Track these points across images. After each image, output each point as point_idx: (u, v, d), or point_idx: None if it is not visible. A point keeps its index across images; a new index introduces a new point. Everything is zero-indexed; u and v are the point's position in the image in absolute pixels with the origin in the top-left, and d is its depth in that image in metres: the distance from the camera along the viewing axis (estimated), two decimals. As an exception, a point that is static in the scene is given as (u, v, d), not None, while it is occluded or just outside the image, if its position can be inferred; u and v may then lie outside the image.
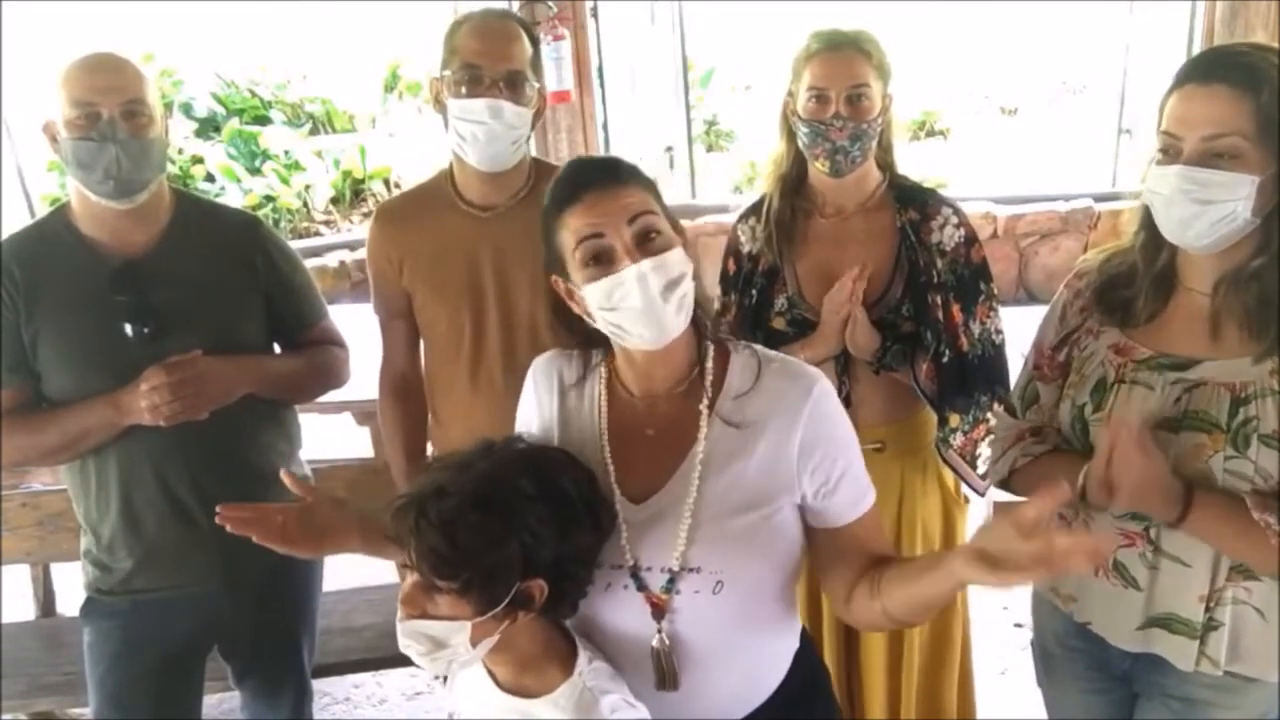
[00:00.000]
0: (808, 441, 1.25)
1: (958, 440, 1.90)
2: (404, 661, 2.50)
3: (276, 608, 1.99)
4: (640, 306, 1.20)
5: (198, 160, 7.04)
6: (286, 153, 7.26)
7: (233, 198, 6.54)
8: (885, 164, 1.92)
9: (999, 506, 2.60)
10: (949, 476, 2.01)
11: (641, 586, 1.26)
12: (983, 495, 1.97)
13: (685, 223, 1.35)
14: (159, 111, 1.74)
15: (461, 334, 1.87)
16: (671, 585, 1.25)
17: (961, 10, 9.13)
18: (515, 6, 4.63)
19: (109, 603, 1.88)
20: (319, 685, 2.52)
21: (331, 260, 5.72)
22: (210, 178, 6.93)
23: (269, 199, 6.79)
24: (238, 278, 1.85)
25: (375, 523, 1.55)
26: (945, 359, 1.86)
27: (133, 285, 1.74)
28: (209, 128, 7.61)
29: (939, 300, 1.85)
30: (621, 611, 1.28)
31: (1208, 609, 1.38)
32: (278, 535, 1.37)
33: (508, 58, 1.77)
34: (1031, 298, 5.62)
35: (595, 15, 4.95)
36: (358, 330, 2.03)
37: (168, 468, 1.79)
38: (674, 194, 5.16)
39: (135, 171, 1.69)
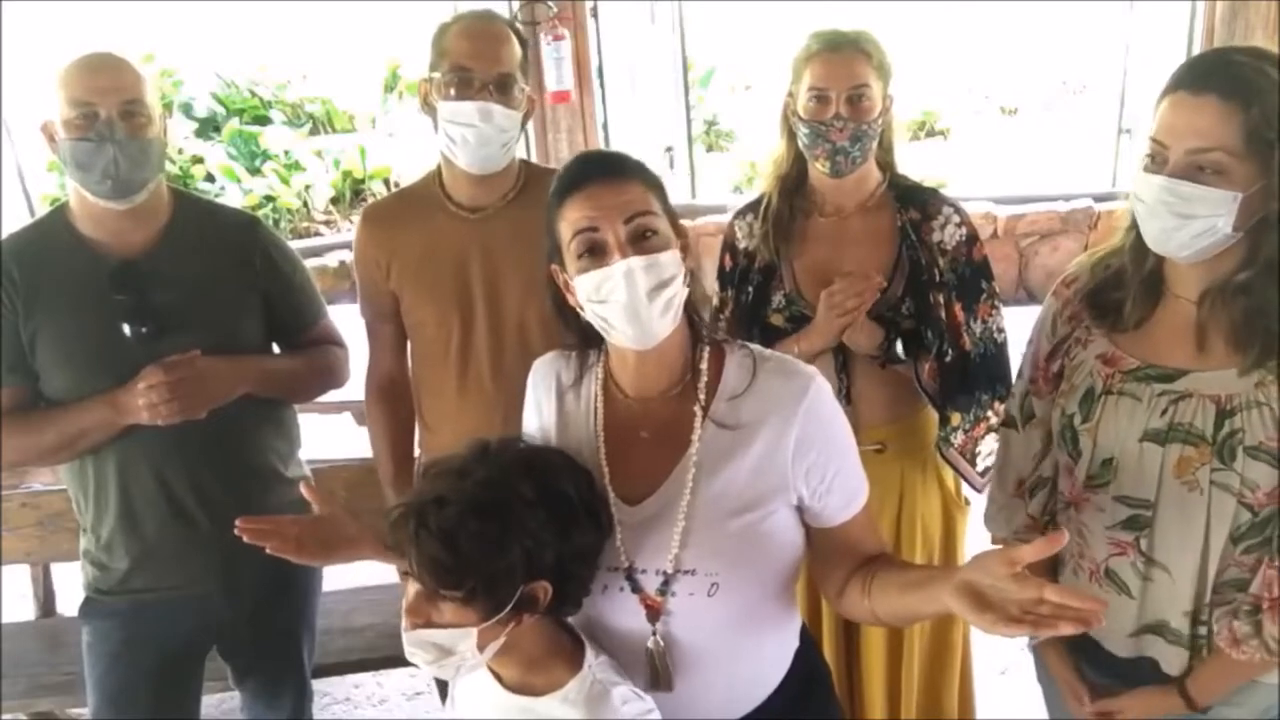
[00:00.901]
0: (802, 442, 1.25)
1: (958, 439, 1.90)
2: (404, 661, 2.49)
3: (276, 608, 1.99)
4: (625, 302, 1.20)
5: (198, 160, 7.04)
6: (286, 153, 7.27)
7: (233, 198, 6.54)
8: (885, 164, 1.92)
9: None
10: (950, 477, 2.01)
11: (636, 588, 1.26)
12: (981, 492, 1.97)
13: (685, 222, 1.34)
14: (157, 111, 1.74)
15: (449, 336, 1.87)
16: (666, 588, 1.25)
17: (961, 10, 9.13)
18: (515, 7, 4.63)
19: (108, 603, 1.88)
20: (319, 685, 2.52)
21: (331, 260, 5.73)
22: (210, 178, 6.93)
23: (269, 199, 6.80)
24: (237, 277, 1.85)
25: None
26: (948, 358, 1.86)
27: (131, 285, 1.74)
28: (209, 128, 7.61)
29: (940, 299, 1.85)
30: (618, 613, 1.28)
31: (1195, 623, 1.39)
32: (292, 546, 1.38)
33: (497, 60, 1.76)
34: (1031, 298, 5.63)
35: (595, 15, 4.95)
36: (357, 330, 2.03)
37: (166, 468, 1.79)
38: (674, 194, 5.14)
39: (133, 171, 1.69)
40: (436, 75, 1.78)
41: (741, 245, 1.97)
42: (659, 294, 1.20)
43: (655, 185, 1.27)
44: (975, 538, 1.85)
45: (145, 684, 1.87)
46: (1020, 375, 1.58)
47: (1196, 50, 4.57)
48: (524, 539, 1.15)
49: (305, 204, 6.98)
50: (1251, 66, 1.23)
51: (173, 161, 6.83)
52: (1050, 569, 1.56)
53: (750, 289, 1.93)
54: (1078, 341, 1.45)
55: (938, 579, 1.13)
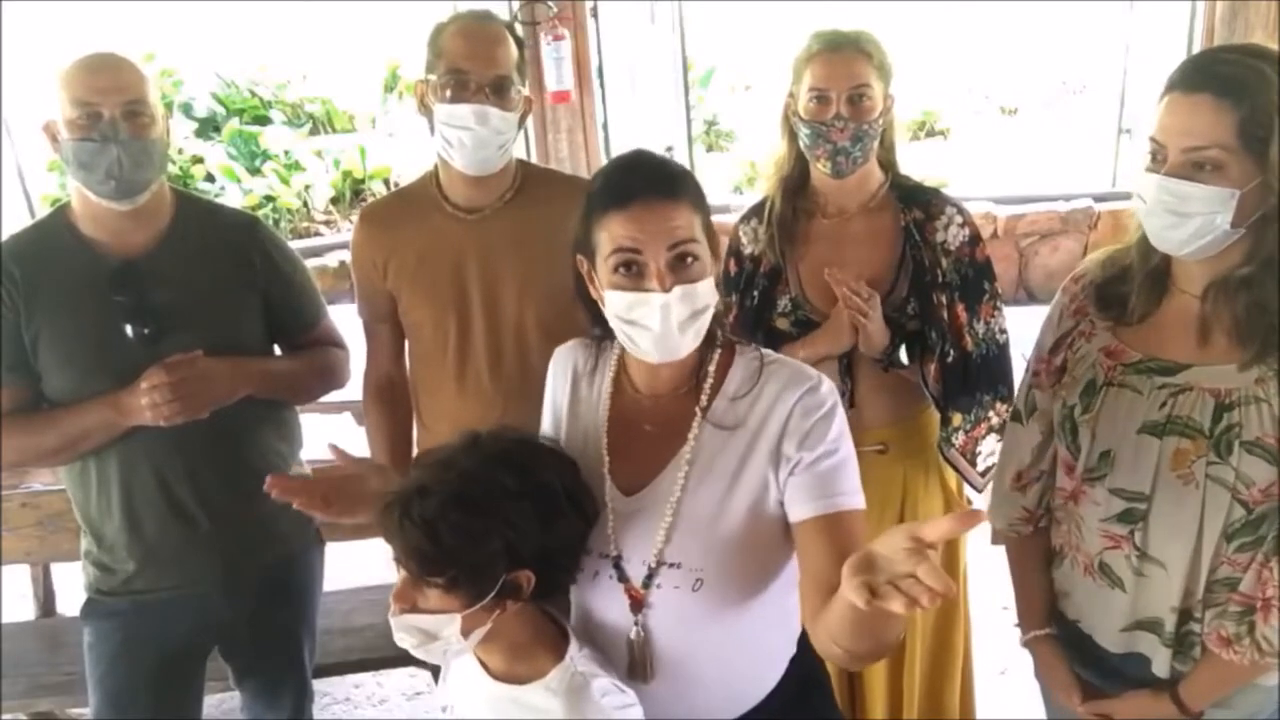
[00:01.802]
0: (794, 430, 1.24)
1: (959, 439, 1.91)
2: (404, 661, 2.52)
3: (276, 608, 1.99)
4: (658, 332, 1.21)
5: (198, 160, 7.04)
6: (286, 153, 7.27)
7: (233, 198, 6.54)
8: (887, 164, 1.92)
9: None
10: (952, 478, 2.01)
11: (622, 577, 1.28)
12: (981, 492, 1.97)
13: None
14: (160, 112, 1.74)
15: (447, 336, 1.87)
16: (650, 579, 1.26)
17: (961, 10, 9.13)
18: (515, 7, 4.63)
19: (109, 603, 1.88)
20: (319, 685, 2.52)
21: (331, 260, 5.73)
22: (210, 178, 6.93)
23: (269, 199, 6.80)
24: (238, 278, 1.84)
25: None
26: (950, 359, 1.86)
27: (133, 286, 1.74)
28: (209, 128, 7.61)
29: (944, 300, 1.85)
30: (604, 600, 1.30)
31: (1182, 621, 1.39)
32: (319, 502, 1.39)
33: (494, 62, 1.76)
34: (1031, 298, 5.63)
35: (595, 15, 4.95)
36: (358, 330, 2.03)
37: (168, 469, 1.78)
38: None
39: (136, 172, 1.69)
40: (433, 77, 1.78)
41: (747, 250, 1.96)
42: (691, 324, 1.22)
43: (702, 205, 1.25)
44: (977, 537, 1.85)
45: (146, 684, 1.87)
46: (1026, 369, 1.58)
47: (1196, 50, 4.56)
48: (505, 530, 1.18)
49: (305, 204, 6.98)
50: (1244, 64, 1.24)
51: (173, 161, 6.83)
52: (1047, 562, 1.57)
53: (755, 293, 1.93)
54: (1081, 334, 1.46)
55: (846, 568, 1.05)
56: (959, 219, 1.86)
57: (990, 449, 1.89)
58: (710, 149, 8.42)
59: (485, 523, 1.17)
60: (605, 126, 5.23)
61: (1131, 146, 5.35)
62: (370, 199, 6.96)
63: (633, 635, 1.28)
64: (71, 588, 2.09)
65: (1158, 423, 1.35)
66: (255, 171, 7.11)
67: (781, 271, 1.91)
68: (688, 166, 5.82)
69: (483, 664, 1.31)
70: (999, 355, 1.90)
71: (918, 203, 1.88)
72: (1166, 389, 1.35)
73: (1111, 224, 5.38)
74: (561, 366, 1.43)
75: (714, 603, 1.26)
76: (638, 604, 1.27)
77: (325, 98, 7.91)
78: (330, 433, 3.31)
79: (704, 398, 1.29)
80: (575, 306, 1.36)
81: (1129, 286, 1.40)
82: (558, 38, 4.67)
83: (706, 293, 1.22)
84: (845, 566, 0.98)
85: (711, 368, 1.31)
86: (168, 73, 7.65)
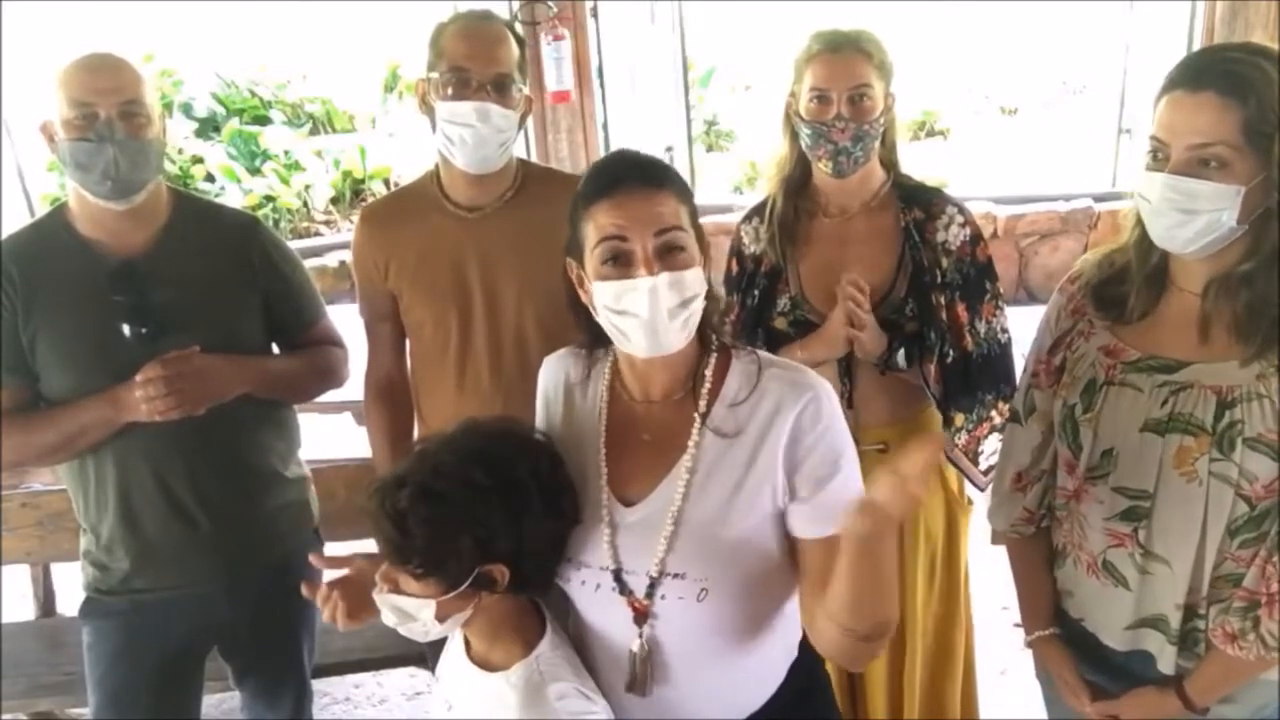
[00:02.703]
0: (795, 442, 1.23)
1: (962, 439, 1.91)
2: (404, 661, 2.52)
3: (276, 607, 1.98)
4: (645, 318, 1.19)
5: (198, 160, 7.05)
6: (286, 153, 7.27)
7: (233, 198, 6.55)
8: (889, 163, 1.92)
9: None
10: (953, 477, 2.01)
11: (624, 590, 1.26)
12: (984, 490, 1.97)
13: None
14: (157, 112, 1.74)
15: (448, 335, 1.87)
16: (653, 591, 1.25)
17: (961, 10, 9.14)
18: (515, 7, 4.63)
19: (108, 603, 1.87)
20: (319, 685, 2.52)
21: (331, 260, 5.73)
22: (210, 178, 6.94)
23: (269, 199, 6.80)
24: (236, 277, 1.84)
25: None
26: (950, 359, 1.86)
27: (131, 285, 1.74)
28: (209, 128, 7.62)
29: (943, 300, 1.84)
30: (606, 613, 1.29)
31: (1187, 618, 1.39)
32: (343, 614, 1.38)
33: (495, 61, 1.76)
34: (1031, 298, 5.63)
35: (595, 15, 4.94)
36: (357, 330, 2.03)
37: (166, 467, 1.78)
38: (674, 194, 5.14)
39: (133, 172, 1.69)
40: (434, 75, 1.78)
41: (749, 250, 1.96)
42: (680, 312, 1.20)
43: (687, 198, 1.25)
44: (978, 537, 1.85)
45: (146, 684, 1.87)
46: (1025, 370, 1.58)
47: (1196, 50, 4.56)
48: (473, 526, 1.21)
49: (305, 204, 6.98)
50: (1247, 62, 1.24)
51: (173, 161, 6.84)
52: (1049, 562, 1.57)
53: (756, 293, 1.93)
54: (1080, 334, 1.46)
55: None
56: (960, 219, 1.86)
57: (993, 448, 1.89)
58: (710, 149, 8.42)
59: (452, 517, 1.20)
60: (605, 126, 5.23)
61: (1131, 146, 5.35)
62: (370, 199, 6.96)
63: (635, 648, 1.27)
64: (71, 587, 2.09)
65: (1160, 420, 1.35)
66: (255, 171, 7.11)
67: (782, 271, 1.91)
68: (688, 166, 5.84)
69: (466, 644, 1.35)
70: (1000, 355, 1.90)
71: (918, 203, 1.88)
72: (1168, 387, 1.35)
73: (1111, 224, 5.38)
74: (553, 377, 1.41)
75: (719, 613, 1.25)
76: (641, 616, 1.26)
77: (325, 98, 7.91)
78: (329, 432, 3.32)
79: (702, 403, 1.28)
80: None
81: (1127, 287, 1.40)
82: (558, 38, 4.67)
83: (694, 281, 1.21)
84: (848, 510, 1.07)
85: (708, 372, 1.29)
86: (168, 73, 7.66)
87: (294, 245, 2.12)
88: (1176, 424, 1.33)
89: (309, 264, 2.18)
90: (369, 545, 1.97)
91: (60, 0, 6.65)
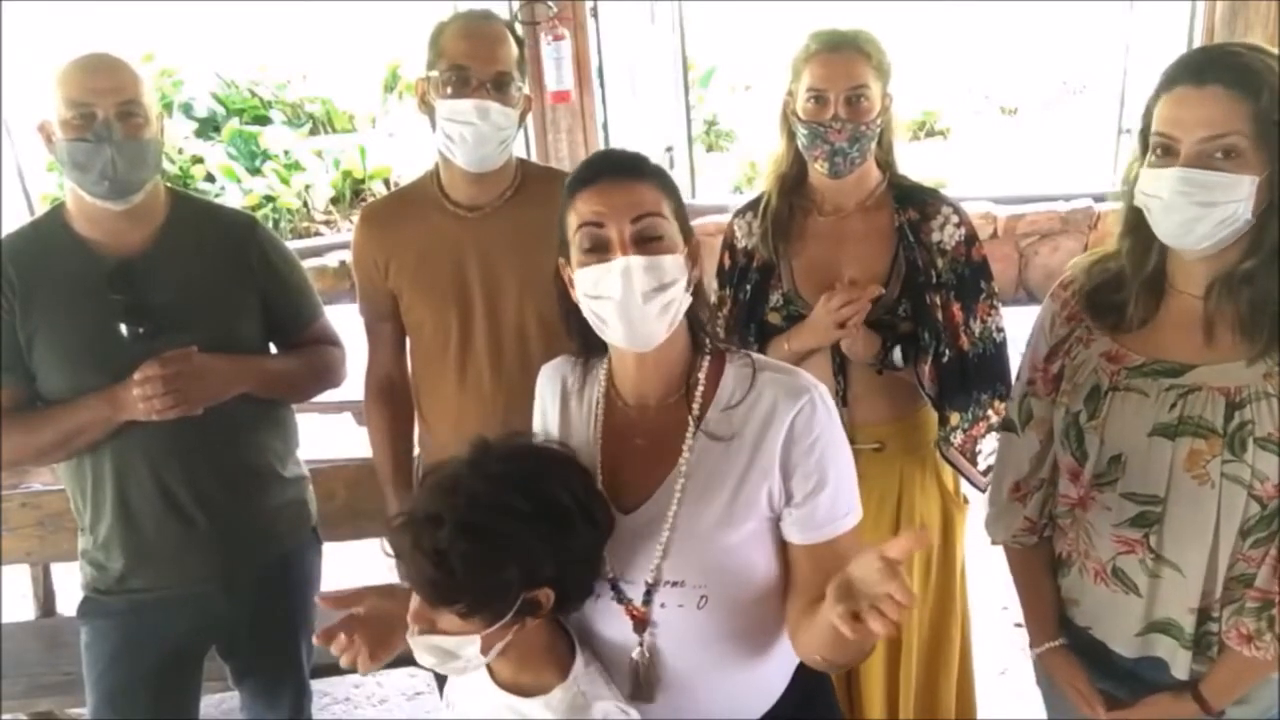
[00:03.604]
0: (789, 447, 1.23)
1: (958, 439, 1.90)
2: (404, 661, 2.51)
3: (275, 607, 1.99)
4: (619, 299, 1.18)
5: (198, 160, 7.05)
6: (286, 153, 7.27)
7: (233, 198, 6.55)
8: (885, 164, 1.91)
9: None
10: (949, 476, 2.01)
11: (621, 598, 1.25)
12: (983, 491, 1.97)
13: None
14: (155, 112, 1.74)
15: (448, 335, 1.87)
16: (650, 598, 1.24)
17: (961, 10, 9.14)
18: (515, 6, 4.63)
19: (106, 602, 1.87)
20: (319, 685, 2.52)
21: (331, 260, 5.73)
22: (210, 178, 6.94)
23: (269, 199, 6.80)
24: (233, 277, 1.84)
25: None
26: (945, 358, 1.86)
27: (128, 285, 1.74)
28: (209, 128, 7.62)
29: (938, 300, 1.84)
30: (605, 620, 1.28)
31: (1200, 621, 1.38)
32: (365, 659, 1.29)
33: (495, 59, 1.76)
34: (1031, 298, 5.62)
35: (595, 15, 4.95)
36: (357, 330, 2.03)
37: (164, 467, 1.78)
38: (674, 194, 5.16)
39: (131, 172, 1.69)
40: (434, 74, 1.78)
41: (740, 244, 1.97)
42: (656, 296, 1.19)
43: (670, 190, 1.25)
44: (974, 536, 1.85)
45: (144, 684, 1.87)
46: (1019, 378, 1.57)
47: (1197, 50, 4.55)
48: (518, 555, 1.14)
49: (305, 204, 6.98)
50: (1250, 56, 1.24)
51: (172, 161, 6.84)
52: (1052, 571, 1.56)
53: (748, 287, 1.93)
54: (1079, 341, 1.45)
55: (829, 590, 1.08)
56: (955, 219, 1.86)
57: (990, 448, 1.89)
58: (710, 149, 8.43)
59: (497, 550, 1.13)
60: (605, 126, 5.23)
61: (1131, 147, 5.35)
62: (370, 199, 6.96)
63: (636, 655, 1.26)
64: (71, 587, 2.09)
65: (1169, 424, 1.34)
66: (255, 171, 7.11)
67: (774, 267, 1.91)
68: (687, 166, 5.84)
69: (489, 669, 1.29)
70: (996, 354, 1.89)
71: (914, 203, 1.87)
72: (1174, 390, 1.34)
73: (1112, 224, 5.37)
74: (550, 382, 1.40)
75: (720, 619, 1.25)
76: (640, 624, 1.25)
77: (325, 98, 7.92)
78: (329, 432, 3.32)
79: (696, 407, 1.27)
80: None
81: (1123, 294, 1.39)
82: (558, 38, 4.67)
83: (672, 267, 1.19)
84: (828, 592, 1.04)
85: (701, 375, 1.28)
86: (168, 72, 7.66)
87: (294, 245, 2.12)
88: (1186, 427, 1.33)
89: (309, 264, 2.18)
90: (369, 545, 1.98)
91: (60, 0, 6.64)
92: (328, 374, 1.99)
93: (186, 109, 7.62)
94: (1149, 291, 1.37)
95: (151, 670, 1.87)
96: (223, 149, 7.21)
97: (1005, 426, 1.60)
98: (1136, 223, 1.35)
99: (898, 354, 1.86)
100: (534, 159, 4.73)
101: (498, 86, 1.76)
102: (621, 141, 5.22)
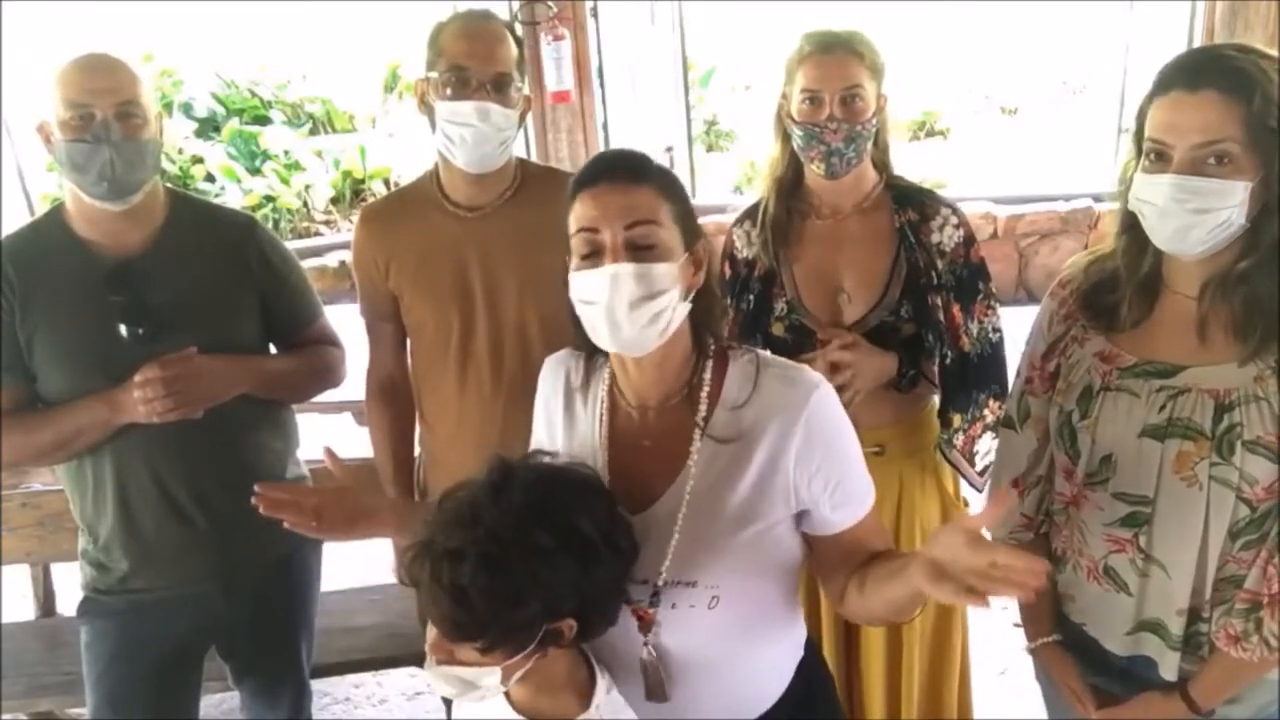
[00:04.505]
0: (804, 451, 1.23)
1: (959, 440, 1.91)
2: (404, 661, 2.52)
3: (275, 607, 1.99)
4: (605, 305, 1.18)
5: (198, 160, 7.05)
6: (286, 153, 7.27)
7: (233, 198, 6.55)
8: (882, 164, 1.91)
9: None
10: (949, 478, 2.01)
11: (629, 599, 1.25)
12: (981, 492, 1.97)
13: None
14: (153, 112, 1.74)
15: (449, 335, 1.87)
16: (658, 599, 1.24)
17: (961, 10, 9.14)
18: (515, 6, 4.63)
19: (106, 602, 1.88)
20: (319, 685, 2.52)
21: (331, 260, 5.73)
22: (210, 178, 6.94)
23: (269, 199, 6.81)
24: (233, 278, 1.85)
25: (409, 507, 1.54)
26: (947, 360, 1.86)
27: (128, 286, 1.74)
28: (209, 128, 7.62)
29: (939, 301, 1.84)
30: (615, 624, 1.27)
31: (1191, 622, 1.39)
32: (311, 518, 1.34)
33: (495, 60, 1.76)
34: (1031, 298, 5.63)
35: (595, 15, 4.95)
36: (357, 330, 2.03)
37: (163, 467, 1.79)
38: (674, 194, 5.17)
39: (129, 173, 1.69)
40: (434, 75, 1.78)
41: (741, 254, 1.96)
42: (644, 305, 1.18)
43: (673, 194, 1.24)
44: (975, 538, 1.85)
45: (144, 683, 1.87)
46: (1018, 375, 1.58)
47: (1196, 50, 4.55)
48: (542, 591, 1.11)
49: (305, 204, 6.98)
50: (1243, 60, 1.23)
51: (172, 161, 6.84)
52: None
53: (751, 297, 1.92)
54: (1074, 340, 1.45)
55: (909, 562, 1.12)
56: (954, 220, 1.86)
57: (986, 447, 1.89)
58: (710, 149, 8.43)
59: (519, 586, 1.10)
60: (605, 126, 5.23)
61: (1126, 147, 5.35)
62: (370, 199, 6.96)
63: (645, 656, 1.25)
64: (71, 587, 2.09)
65: (1158, 426, 1.34)
66: (255, 171, 7.11)
67: (776, 275, 1.90)
68: (687, 166, 5.84)
69: (506, 693, 1.26)
70: (992, 354, 1.89)
71: (913, 204, 1.87)
72: (1165, 391, 1.34)
73: (1109, 224, 5.38)
74: (553, 378, 1.39)
75: (732, 618, 1.25)
76: (646, 624, 1.25)
77: (325, 98, 7.92)
78: (329, 433, 3.31)
79: (702, 408, 1.26)
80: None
81: (1117, 295, 1.39)
82: (558, 38, 4.68)
83: (664, 276, 1.18)
84: (919, 577, 1.06)
85: (706, 375, 1.27)
86: (167, 73, 7.66)
87: (294, 245, 2.13)
88: (1175, 429, 1.33)
89: (309, 264, 2.18)
90: (370, 546, 1.98)
91: (60, 0, 6.64)
92: (327, 374, 1.99)
93: (186, 109, 7.62)
94: (1143, 292, 1.37)
95: (152, 670, 1.87)
96: (223, 149, 7.21)
97: (1004, 424, 1.60)
98: (1131, 223, 1.35)
99: (913, 365, 1.85)
100: (534, 159, 4.73)
101: (497, 87, 1.76)
102: (621, 141, 5.22)
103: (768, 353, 1.33)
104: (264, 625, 1.98)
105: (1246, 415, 1.29)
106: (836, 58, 1.78)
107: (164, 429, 1.72)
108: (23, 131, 4.73)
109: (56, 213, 1.81)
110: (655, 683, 1.26)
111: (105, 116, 1.65)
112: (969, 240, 1.86)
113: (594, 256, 1.20)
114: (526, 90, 1.85)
